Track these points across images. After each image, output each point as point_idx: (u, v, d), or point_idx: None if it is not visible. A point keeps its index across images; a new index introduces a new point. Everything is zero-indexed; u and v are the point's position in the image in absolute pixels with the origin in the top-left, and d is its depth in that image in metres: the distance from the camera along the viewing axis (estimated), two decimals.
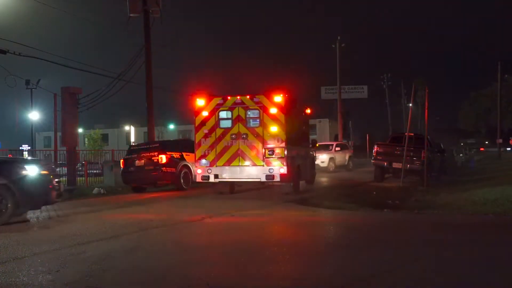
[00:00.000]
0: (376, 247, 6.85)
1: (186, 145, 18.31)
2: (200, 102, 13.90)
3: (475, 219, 9.39)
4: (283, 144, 13.25)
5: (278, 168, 13.21)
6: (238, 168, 13.54)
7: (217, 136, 13.66)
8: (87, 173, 19.79)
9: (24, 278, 5.32)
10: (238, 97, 13.62)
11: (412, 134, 19.42)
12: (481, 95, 67.00)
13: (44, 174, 9.23)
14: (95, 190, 16.49)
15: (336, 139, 43.55)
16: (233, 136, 13.52)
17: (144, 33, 19.62)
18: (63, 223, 9.59)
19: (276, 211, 10.88)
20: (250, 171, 13.50)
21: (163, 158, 16.40)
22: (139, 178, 16.64)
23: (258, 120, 13.42)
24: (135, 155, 17.08)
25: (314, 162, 18.34)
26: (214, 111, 13.73)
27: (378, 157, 19.05)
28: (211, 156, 13.66)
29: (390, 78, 61.66)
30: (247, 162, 13.48)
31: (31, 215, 10.98)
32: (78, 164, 22.99)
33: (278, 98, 13.28)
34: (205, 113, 13.80)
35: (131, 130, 52.11)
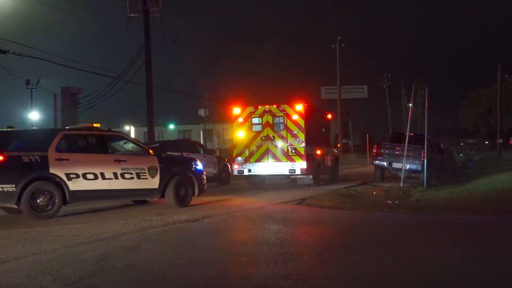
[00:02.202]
0: (376, 247, 6.86)
1: (185, 145, 18.28)
2: (236, 110, 16.80)
3: (475, 219, 9.39)
4: (303, 144, 15.94)
5: (299, 163, 15.91)
6: (267, 164, 16.30)
7: (250, 138, 16.49)
8: None
9: (24, 278, 5.32)
10: (267, 106, 16.48)
11: (412, 134, 19.41)
12: (481, 95, 66.88)
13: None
14: None
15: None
16: (263, 138, 16.36)
17: (144, 33, 19.62)
18: (63, 223, 9.59)
19: (276, 211, 10.90)
20: (276, 166, 16.22)
21: None
22: None
23: (283, 125, 16.23)
24: None
25: (338, 160, 20.99)
26: (248, 118, 16.63)
27: (378, 157, 19.04)
28: (245, 154, 16.47)
29: (390, 78, 61.65)
30: (274, 159, 16.24)
31: None
32: None
33: (299, 107, 16.12)
34: (240, 120, 16.70)
35: (131, 130, 52.11)
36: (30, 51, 17.22)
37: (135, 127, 51.95)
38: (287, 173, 16.17)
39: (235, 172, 16.78)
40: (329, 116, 20.07)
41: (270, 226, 8.94)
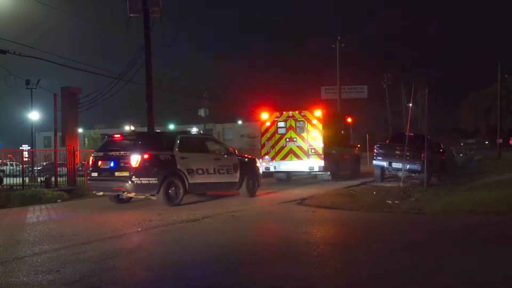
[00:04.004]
0: (376, 248, 6.85)
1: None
2: (264, 115, 19.47)
3: (475, 219, 9.39)
4: (321, 145, 18.41)
5: (318, 161, 18.38)
6: (290, 161, 18.82)
7: (275, 139, 19.12)
8: (87, 173, 19.74)
9: (24, 278, 5.33)
10: (290, 112, 19.12)
11: (412, 134, 19.40)
12: (481, 95, 66.91)
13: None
14: None
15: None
16: (287, 139, 18.92)
17: (144, 33, 19.57)
18: (63, 223, 9.60)
19: (276, 211, 10.90)
20: (298, 164, 18.71)
21: None
22: None
23: (304, 128, 18.75)
24: None
25: (358, 159, 22.97)
26: (274, 122, 19.27)
27: (378, 157, 19.04)
28: (272, 153, 19.03)
29: (390, 78, 61.53)
30: (296, 158, 18.72)
31: (30, 214, 11.00)
32: (78, 164, 22.97)
33: (318, 113, 18.69)
34: (267, 123, 19.37)
35: (131, 130, 52.08)
36: (30, 51, 17.13)
37: (135, 127, 51.90)
38: (307, 170, 18.63)
39: (263, 169, 17.78)
40: (349, 119, 22.41)
41: (270, 226, 8.95)
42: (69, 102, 18.73)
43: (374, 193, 14.48)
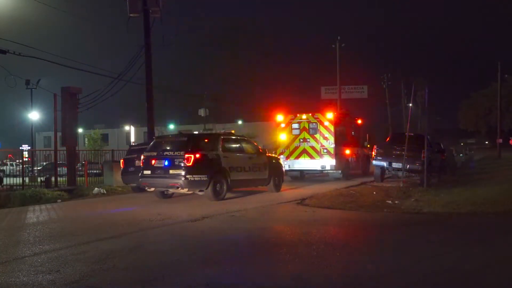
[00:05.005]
0: (376, 248, 6.86)
1: None
2: (279, 118, 20.71)
3: (475, 219, 9.39)
4: (333, 145, 19.59)
5: (329, 161, 19.59)
6: (303, 160, 20.04)
7: (290, 140, 20.33)
8: (87, 173, 19.77)
9: (24, 278, 5.33)
10: (304, 115, 20.34)
11: (412, 134, 19.38)
12: (481, 95, 66.88)
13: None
14: (95, 190, 16.48)
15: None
16: (301, 140, 20.15)
17: (144, 33, 19.57)
18: (63, 223, 9.60)
19: (276, 211, 10.89)
20: (311, 163, 19.95)
21: None
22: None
23: (316, 129, 19.97)
24: (135, 155, 17.07)
25: (368, 159, 23.51)
26: (289, 124, 20.48)
27: (378, 157, 19.02)
28: (286, 153, 20.23)
29: (390, 78, 61.49)
30: (309, 157, 19.93)
31: (30, 214, 11.00)
32: (78, 164, 22.96)
33: (330, 115, 19.98)
34: (282, 125, 20.60)
35: (131, 130, 52.08)
36: (30, 51, 17.15)
37: (135, 127, 51.90)
38: (319, 168, 19.95)
39: None
40: (359, 121, 23.77)
41: (270, 226, 8.94)
42: (69, 102, 18.71)
43: (374, 193, 14.46)
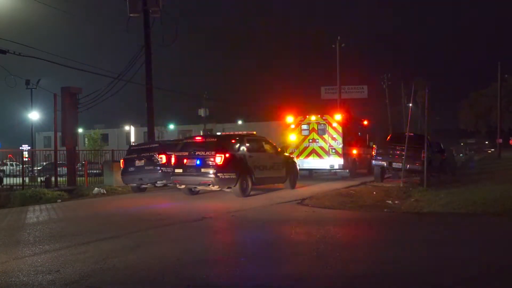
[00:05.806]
0: (376, 247, 6.86)
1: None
2: (289, 119, 21.61)
3: (475, 219, 9.38)
4: (341, 145, 20.54)
5: (337, 160, 20.51)
6: (312, 160, 20.92)
7: (299, 140, 21.24)
8: (87, 173, 19.77)
9: (24, 278, 5.33)
10: (313, 116, 21.32)
11: (412, 134, 19.36)
12: (481, 95, 66.82)
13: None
14: (95, 190, 16.48)
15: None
16: (310, 140, 21.06)
17: (144, 33, 19.57)
18: (63, 223, 9.60)
19: (276, 211, 10.89)
20: (320, 162, 20.89)
21: (163, 158, 16.48)
22: (139, 177, 16.67)
23: (325, 130, 20.90)
24: (135, 155, 17.11)
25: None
26: (298, 124, 21.40)
27: (378, 157, 19.01)
28: (296, 152, 20.76)
29: (390, 78, 61.46)
30: (318, 157, 20.83)
31: (30, 214, 11.00)
32: (78, 164, 22.97)
33: (338, 117, 20.97)
34: (292, 126, 21.48)
35: (131, 130, 52.02)
36: (30, 51, 17.15)
37: (135, 127, 51.84)
38: (328, 167, 20.90)
39: None
40: (365, 122, 24.60)
41: (270, 226, 8.94)
42: (69, 102, 18.72)
43: (374, 193, 14.46)
